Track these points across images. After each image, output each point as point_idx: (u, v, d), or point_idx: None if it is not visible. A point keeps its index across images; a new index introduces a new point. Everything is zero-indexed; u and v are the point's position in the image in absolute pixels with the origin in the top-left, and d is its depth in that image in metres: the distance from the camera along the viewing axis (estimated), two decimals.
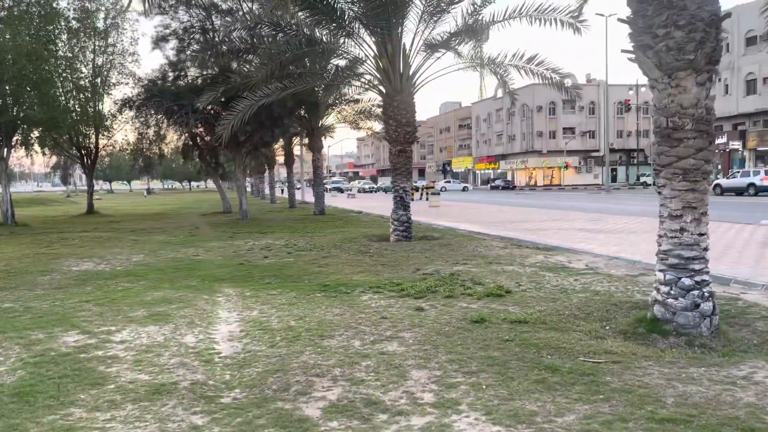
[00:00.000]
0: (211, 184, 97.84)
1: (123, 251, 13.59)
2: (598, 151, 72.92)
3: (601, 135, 70.49)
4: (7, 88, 20.39)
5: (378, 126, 32.12)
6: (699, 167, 5.45)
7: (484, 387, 4.31)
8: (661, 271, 5.71)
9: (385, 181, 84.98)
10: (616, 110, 72.31)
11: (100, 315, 6.94)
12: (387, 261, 11.18)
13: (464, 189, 69.90)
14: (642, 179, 65.93)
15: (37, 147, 25.68)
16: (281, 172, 68.92)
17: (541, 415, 3.77)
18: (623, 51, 5.86)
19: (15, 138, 22.89)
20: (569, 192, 56.11)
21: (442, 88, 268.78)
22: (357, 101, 26.54)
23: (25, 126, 22.28)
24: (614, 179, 67.62)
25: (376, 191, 71.93)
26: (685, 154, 5.46)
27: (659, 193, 5.74)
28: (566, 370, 4.59)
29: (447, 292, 7.84)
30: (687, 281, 5.50)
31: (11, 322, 6.61)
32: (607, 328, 5.91)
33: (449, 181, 75.75)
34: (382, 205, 34.50)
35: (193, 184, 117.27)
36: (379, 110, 27.54)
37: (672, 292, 5.57)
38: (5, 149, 22.51)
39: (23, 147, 25.12)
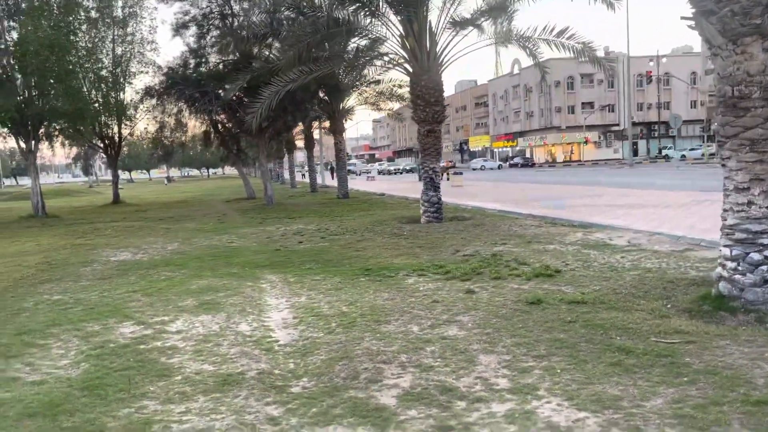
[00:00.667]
0: (229, 170, 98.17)
1: (157, 240, 13.63)
2: (617, 125, 71.84)
3: (622, 108, 69.37)
4: (32, 80, 20.48)
5: (398, 106, 31.93)
6: (767, 137, 5.24)
7: (558, 371, 4.21)
8: (726, 246, 5.53)
9: (401, 162, 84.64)
10: (635, 83, 70.98)
11: (150, 305, 6.94)
12: (423, 243, 11.08)
13: (499, 167, 69.27)
14: (664, 152, 64.90)
15: (62, 138, 25.84)
16: (297, 157, 68.82)
17: (627, 400, 3.66)
18: (683, 18, 5.63)
19: (41, 130, 23.03)
20: (590, 168, 55.37)
21: (457, 66, 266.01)
22: (378, 82, 26.30)
23: (51, 118, 22.36)
24: (635, 153, 66.58)
25: (401, 172, 71.34)
26: (752, 124, 5.24)
27: (723, 165, 5.54)
28: (640, 351, 4.46)
29: (494, 274, 7.72)
30: (756, 256, 5.32)
31: (65, 315, 6.62)
32: (669, 306, 5.76)
33: (486, 160, 75.57)
34: (403, 186, 34.42)
35: (211, 171, 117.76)
36: (400, 90, 27.41)
37: (739, 267, 5.39)
38: (33, 142, 22.69)
39: (48, 140, 25.30)
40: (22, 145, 22.94)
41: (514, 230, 12.17)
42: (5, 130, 22.53)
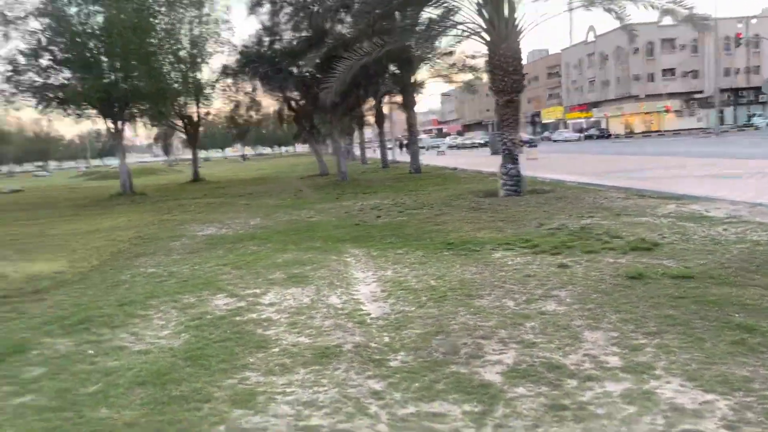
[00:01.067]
0: (300, 147, 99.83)
1: (239, 215, 13.95)
2: (701, 92, 67.76)
3: (706, 74, 65.36)
4: (118, 62, 21.31)
5: (469, 77, 31.26)
6: None
7: (674, 349, 3.94)
8: None
9: (473, 136, 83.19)
10: (722, 46, 66.54)
11: (240, 278, 7.06)
12: (505, 217, 10.78)
13: (578, 138, 66.97)
14: (752, 120, 60.82)
15: (146, 119, 26.86)
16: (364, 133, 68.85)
17: (758, 381, 3.37)
18: None
19: (126, 111, 24.01)
20: (671, 138, 52.72)
21: (527, 36, 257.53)
22: (450, 53, 25.78)
23: (135, 99, 23.22)
24: (721, 121, 62.74)
25: (477, 146, 69.89)
26: None
27: None
28: (766, 329, 4.12)
29: (585, 247, 7.39)
30: None
31: (161, 287, 6.83)
32: None
33: (568, 132, 73.49)
34: (475, 160, 33.85)
35: (283, 148, 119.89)
36: (473, 61, 26.80)
37: None
38: (120, 122, 23.69)
39: (131, 120, 26.33)
40: (110, 125, 24.01)
41: (600, 203, 11.67)
42: (95, 111, 23.62)
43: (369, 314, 5.32)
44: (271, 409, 3.52)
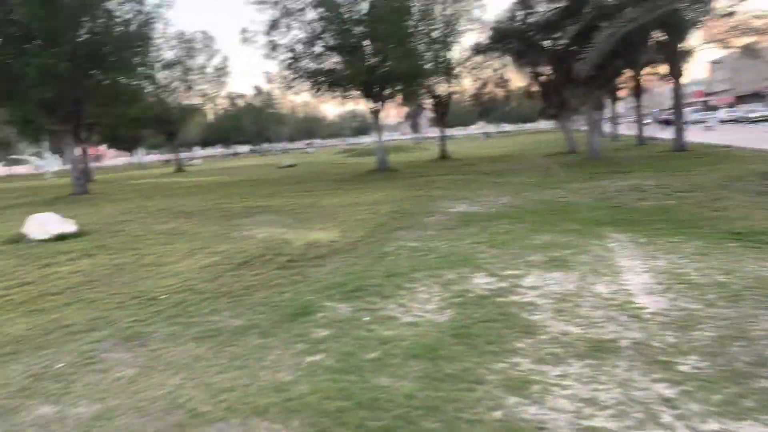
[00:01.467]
0: (543, 124, 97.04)
1: (488, 193, 13.93)
2: None
3: None
4: (379, 46, 22.77)
5: (751, 40, 26.91)
6: None
7: None
8: None
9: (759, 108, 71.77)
10: None
11: (497, 257, 6.98)
12: None
13: None
14: None
15: (401, 98, 28.33)
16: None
17: None
18: None
19: (384, 92, 25.61)
20: None
21: None
22: (731, 14, 22.39)
23: (392, 80, 24.60)
24: None
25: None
26: None
27: None
28: None
29: None
30: None
31: (423, 261, 7.07)
32: None
33: None
34: (753, 137, 29.27)
35: (526, 125, 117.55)
36: (757, 22, 22.98)
37: None
38: (378, 103, 25.40)
39: (388, 100, 27.96)
40: (370, 106, 25.88)
41: None
42: (357, 92, 25.62)
43: (644, 308, 4.83)
44: (548, 402, 3.36)
